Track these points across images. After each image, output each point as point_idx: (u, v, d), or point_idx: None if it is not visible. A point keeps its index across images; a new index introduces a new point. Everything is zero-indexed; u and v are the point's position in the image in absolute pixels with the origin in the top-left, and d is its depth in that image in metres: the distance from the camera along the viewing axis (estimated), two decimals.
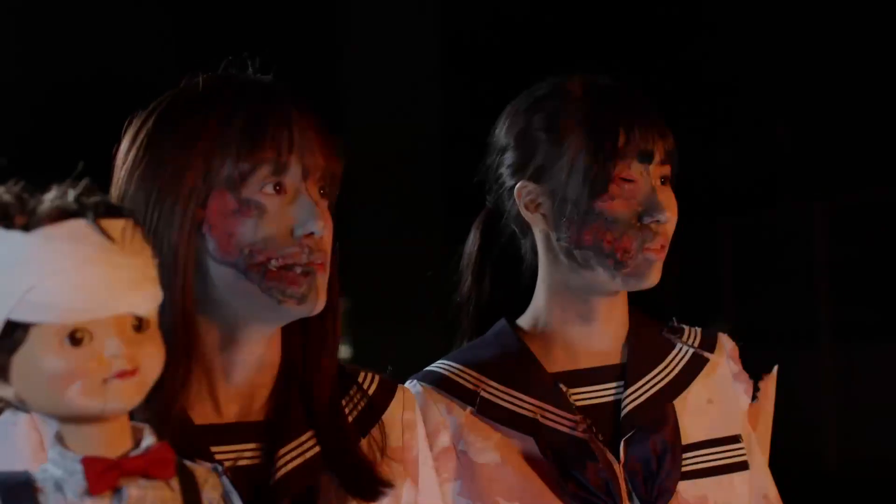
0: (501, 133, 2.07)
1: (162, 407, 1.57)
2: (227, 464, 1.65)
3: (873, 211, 8.39)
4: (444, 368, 2.03)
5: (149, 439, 1.42)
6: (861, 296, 8.40)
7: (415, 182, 7.28)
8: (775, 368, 2.15)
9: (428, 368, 2.05)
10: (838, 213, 8.58)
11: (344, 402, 1.78)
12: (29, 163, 1.51)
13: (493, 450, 1.98)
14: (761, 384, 2.13)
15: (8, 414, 1.59)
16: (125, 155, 1.70)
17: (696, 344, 2.09)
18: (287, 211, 1.67)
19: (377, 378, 1.83)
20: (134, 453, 1.41)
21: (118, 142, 1.72)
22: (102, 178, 1.55)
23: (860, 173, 8.20)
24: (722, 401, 2.07)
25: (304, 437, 1.72)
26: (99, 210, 1.40)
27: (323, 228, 1.67)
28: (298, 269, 1.67)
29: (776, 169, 8.52)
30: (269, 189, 1.67)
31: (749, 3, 8.04)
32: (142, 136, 1.69)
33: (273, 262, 1.66)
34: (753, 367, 2.14)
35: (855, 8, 7.67)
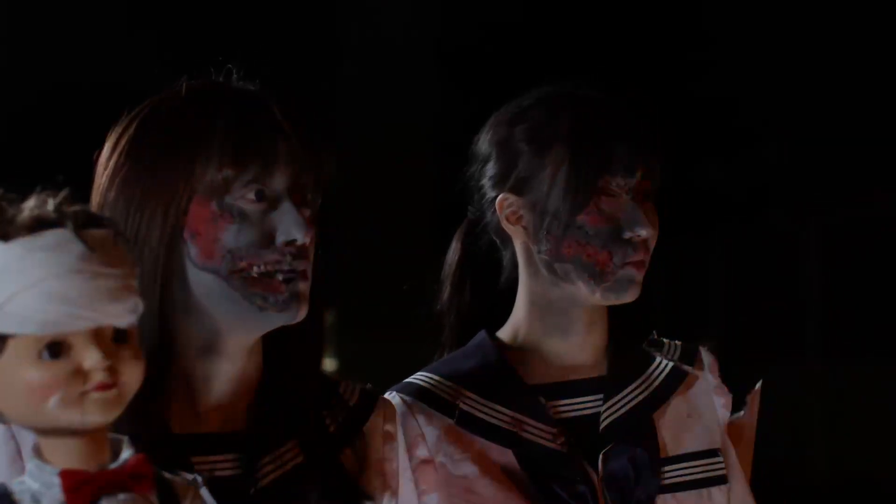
0: (484, 143, 2.06)
1: (140, 417, 1.56)
2: (206, 474, 1.64)
3: (865, 226, 8.39)
4: (423, 380, 2.03)
5: (127, 452, 1.41)
6: (851, 312, 8.40)
7: (404, 193, 7.27)
8: (759, 384, 2.15)
9: (407, 380, 2.04)
10: (830, 229, 8.58)
11: (325, 413, 1.77)
12: (8, 171, 1.50)
13: (472, 462, 1.98)
14: (747, 398, 2.13)
15: None
16: (107, 161, 1.70)
17: (675, 357, 2.09)
18: (269, 218, 1.67)
19: (358, 388, 1.83)
20: (112, 466, 1.40)
21: (100, 148, 1.72)
22: (84, 186, 1.54)
23: (852, 189, 8.21)
24: (701, 414, 2.07)
25: (285, 448, 1.71)
26: (79, 220, 1.39)
27: (305, 236, 1.67)
28: (280, 276, 1.66)
29: (768, 183, 8.53)
30: (252, 196, 1.66)
31: (744, 16, 8.05)
32: (123, 141, 1.69)
33: (255, 269, 1.66)
34: (741, 381, 2.13)
35: (850, 23, 7.68)
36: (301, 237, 1.66)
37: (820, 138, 8.06)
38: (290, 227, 1.66)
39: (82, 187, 1.48)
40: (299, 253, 1.67)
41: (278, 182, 1.67)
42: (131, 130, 1.69)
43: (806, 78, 7.97)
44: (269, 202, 1.67)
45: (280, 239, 1.66)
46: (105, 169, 1.69)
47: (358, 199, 6.35)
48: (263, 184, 1.66)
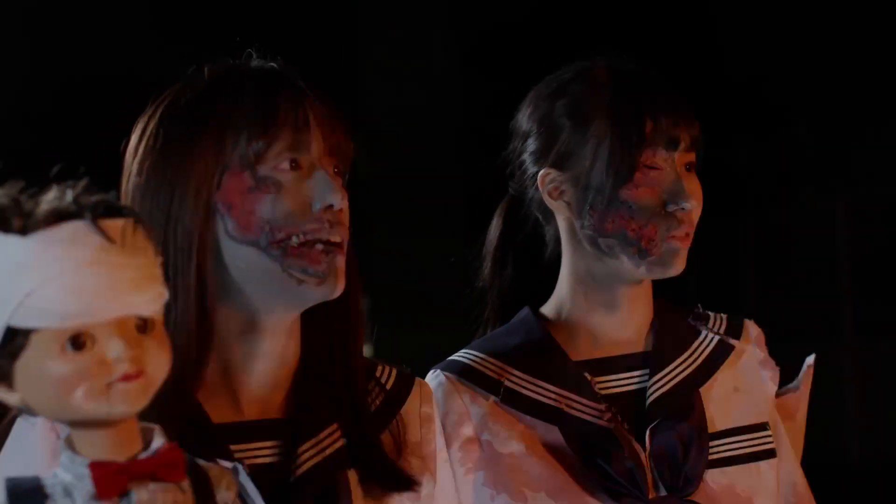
0: (524, 118, 2.05)
1: (178, 406, 1.55)
2: (247, 462, 1.64)
3: (894, 205, 8.37)
4: (467, 358, 2.02)
5: (158, 441, 1.40)
6: (884, 291, 8.37)
7: (434, 180, 7.27)
8: (812, 357, 2.13)
9: (451, 358, 2.03)
10: (861, 209, 8.55)
11: (363, 397, 1.76)
12: (28, 165, 1.49)
13: (517, 440, 1.97)
14: (803, 374, 2.11)
15: (26, 416, 1.57)
16: (134, 149, 1.69)
17: (721, 331, 2.07)
18: (304, 186, 1.66)
19: (395, 371, 1.82)
20: (143, 456, 1.38)
21: (126, 139, 1.72)
22: (103, 178, 1.52)
23: (882, 169, 8.18)
24: (748, 388, 2.05)
25: (325, 433, 1.70)
26: (98, 210, 1.37)
27: (341, 201, 1.66)
28: (320, 246, 1.66)
29: (798, 164, 8.50)
30: (285, 165, 1.66)
31: None
32: (150, 127, 1.69)
33: (294, 239, 1.65)
34: (776, 362, 2.12)
35: (879, 4, 7.64)
36: (338, 202, 1.66)
37: (851, 120, 8.03)
38: (326, 192, 1.65)
39: (102, 180, 1.46)
40: (337, 219, 1.67)
41: (311, 150, 1.67)
42: (157, 115, 1.69)
43: (834, 56, 7.93)
44: (303, 171, 1.67)
45: (317, 205, 1.65)
46: (134, 157, 1.69)
47: (385, 186, 6.34)
48: (296, 153, 1.66)
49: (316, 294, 1.67)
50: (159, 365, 1.38)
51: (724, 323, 2.09)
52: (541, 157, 2.02)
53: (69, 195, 1.37)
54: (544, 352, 2.01)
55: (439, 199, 7.06)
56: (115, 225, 1.37)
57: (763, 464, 2.02)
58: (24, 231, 1.35)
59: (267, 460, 1.68)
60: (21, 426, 1.60)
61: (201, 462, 1.44)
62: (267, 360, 1.71)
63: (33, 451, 1.60)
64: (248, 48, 1.75)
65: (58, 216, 1.36)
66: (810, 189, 8.56)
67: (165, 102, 1.70)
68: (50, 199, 1.38)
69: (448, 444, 1.91)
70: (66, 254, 1.34)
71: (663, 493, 1.94)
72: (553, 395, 1.98)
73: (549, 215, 2.05)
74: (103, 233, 1.35)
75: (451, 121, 7.39)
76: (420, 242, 6.53)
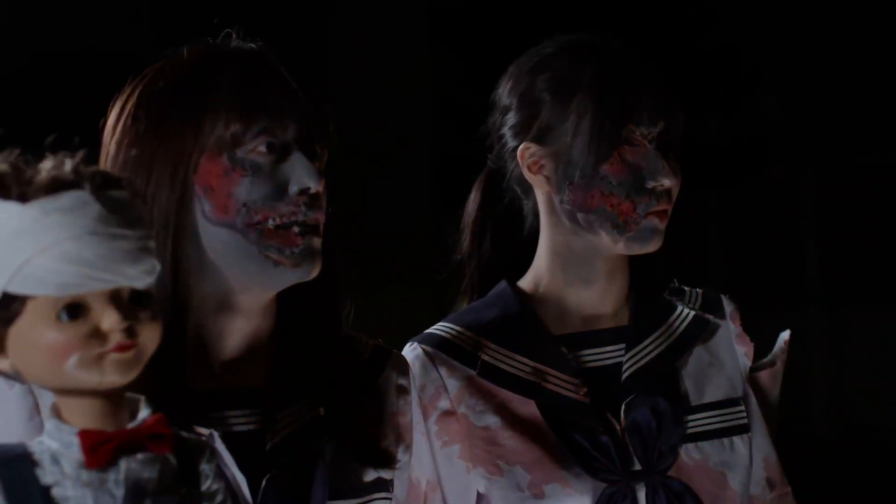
0: (504, 92, 2.05)
1: (157, 373, 1.56)
2: (223, 429, 1.65)
3: (862, 177, 8.40)
4: (444, 331, 2.02)
5: (144, 411, 1.41)
6: (849, 262, 8.41)
7: (403, 153, 7.26)
8: (787, 333, 2.14)
9: (428, 331, 2.03)
10: (827, 179, 8.59)
11: (340, 368, 1.77)
12: (13, 136, 1.48)
13: (494, 413, 1.98)
14: (778, 351, 2.12)
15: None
16: (113, 127, 1.70)
17: (697, 306, 2.08)
18: (281, 169, 1.67)
19: (371, 343, 1.83)
20: (130, 426, 1.39)
21: (104, 117, 1.71)
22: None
23: (849, 140, 8.20)
24: (723, 363, 2.07)
25: (301, 402, 1.71)
26: (97, 180, 1.38)
27: (318, 184, 1.67)
28: (296, 229, 1.66)
29: (765, 135, 8.52)
30: (262, 148, 1.66)
31: None
32: (129, 106, 1.69)
33: (270, 222, 1.66)
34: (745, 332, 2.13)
35: None
36: (314, 185, 1.66)
37: (814, 91, 8.06)
38: (303, 175, 1.66)
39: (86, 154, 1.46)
40: (312, 202, 1.67)
41: (288, 133, 1.67)
42: (136, 94, 1.69)
43: (801, 30, 7.95)
44: (280, 154, 1.67)
45: (293, 188, 1.66)
46: (112, 135, 1.69)
47: (354, 161, 6.32)
48: (273, 135, 1.66)
49: (292, 276, 1.68)
50: (151, 336, 1.39)
51: (700, 298, 2.10)
52: (521, 132, 2.02)
53: (68, 164, 1.38)
54: (521, 325, 2.02)
55: (408, 171, 7.05)
56: (113, 196, 1.38)
57: (736, 438, 2.03)
58: (23, 198, 1.36)
59: (243, 428, 1.68)
60: None
61: (184, 434, 1.45)
62: (242, 335, 1.72)
63: (10, 410, 1.61)
64: (227, 28, 1.75)
65: (58, 185, 1.36)
66: (777, 161, 8.59)
67: (144, 82, 1.70)
68: (49, 167, 1.38)
69: (425, 417, 1.92)
70: (65, 223, 1.34)
71: (638, 467, 1.95)
72: (530, 369, 1.99)
73: (528, 189, 2.05)
74: (102, 203, 1.36)
75: (421, 93, 7.37)
76: (389, 214, 6.52)
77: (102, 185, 1.38)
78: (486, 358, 2.00)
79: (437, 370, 1.98)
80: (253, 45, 1.74)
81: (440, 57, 7.45)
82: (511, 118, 2.03)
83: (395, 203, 6.77)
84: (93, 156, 1.43)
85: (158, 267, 1.40)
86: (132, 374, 1.38)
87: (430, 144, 7.18)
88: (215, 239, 1.67)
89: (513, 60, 2.07)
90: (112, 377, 1.36)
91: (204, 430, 1.62)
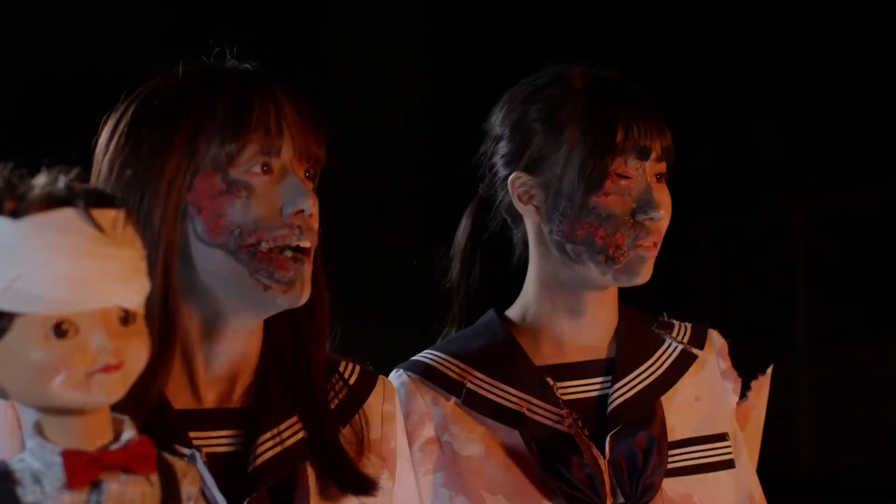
0: (497, 121, 2.05)
1: (139, 392, 1.55)
2: (205, 450, 1.64)
3: (852, 215, 8.42)
4: (430, 358, 2.02)
5: (129, 432, 1.39)
6: (839, 299, 8.42)
7: (396, 178, 7.27)
8: (770, 369, 2.14)
9: (414, 358, 2.03)
10: (817, 216, 8.61)
11: (325, 392, 1.76)
12: (9, 150, 1.48)
13: (478, 442, 1.97)
14: (754, 383, 2.12)
15: None
16: (105, 146, 1.68)
17: (685, 340, 2.08)
18: (275, 190, 1.66)
19: (358, 368, 1.82)
20: (114, 447, 1.38)
21: (96, 135, 1.70)
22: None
23: (839, 177, 8.23)
24: (710, 398, 2.06)
25: (284, 426, 1.70)
26: (90, 199, 1.36)
27: (312, 206, 1.66)
28: (289, 253, 1.66)
29: (757, 171, 8.55)
30: (257, 169, 1.65)
31: (733, 4, 8.06)
32: (122, 124, 1.68)
33: (263, 245, 1.65)
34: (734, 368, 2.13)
35: (840, 13, 7.68)
36: (308, 207, 1.65)
37: (807, 127, 8.09)
38: (297, 197, 1.65)
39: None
40: (306, 224, 1.66)
41: (283, 155, 1.66)
42: (130, 113, 1.68)
43: (794, 67, 7.98)
44: (274, 175, 1.66)
45: (288, 210, 1.65)
46: (105, 154, 1.68)
47: (348, 184, 6.33)
48: (269, 157, 1.65)
49: (281, 301, 1.67)
50: (138, 357, 1.37)
51: (689, 332, 2.09)
52: (512, 161, 2.02)
53: (62, 181, 1.37)
54: (507, 355, 2.01)
55: (401, 196, 7.06)
56: (106, 215, 1.36)
57: (721, 474, 2.03)
58: (15, 214, 1.34)
59: (224, 449, 1.67)
60: None
61: (167, 456, 1.44)
62: (227, 358, 1.71)
63: None
64: (221, 46, 1.74)
65: (51, 202, 1.35)
66: (769, 196, 8.61)
67: (139, 100, 1.69)
68: (43, 183, 1.37)
69: (409, 444, 1.91)
70: (57, 241, 1.33)
71: (621, 500, 1.94)
72: (515, 399, 1.99)
73: (518, 219, 2.05)
74: (94, 222, 1.35)
75: (415, 121, 7.39)
76: (381, 240, 6.53)
77: (95, 204, 1.36)
78: (471, 386, 1.99)
79: (422, 397, 1.97)
80: (248, 65, 1.73)
81: (436, 84, 7.47)
82: (503, 147, 2.03)
83: (385, 228, 6.78)
84: (86, 172, 1.41)
85: (149, 287, 1.39)
86: (118, 395, 1.36)
87: (423, 171, 7.18)
88: (207, 260, 1.66)
89: (507, 89, 2.07)
90: (98, 397, 1.35)
91: (185, 451, 1.61)
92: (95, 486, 1.36)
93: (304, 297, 1.68)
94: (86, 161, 1.45)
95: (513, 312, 2.07)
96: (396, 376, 1.99)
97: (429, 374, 1.99)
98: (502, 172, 2.03)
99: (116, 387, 1.36)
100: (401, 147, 7.28)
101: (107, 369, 1.34)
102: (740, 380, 2.10)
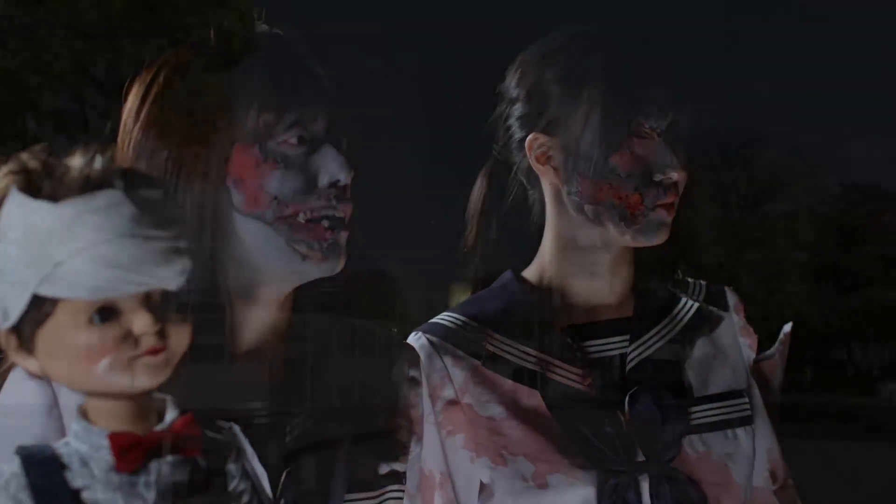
0: (512, 84, 2.05)
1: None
2: (243, 423, 1.64)
3: None
4: (449, 321, 2.02)
5: (172, 412, 1.39)
6: None
7: (396, 140, 7.25)
8: (789, 325, 2.15)
9: (433, 321, 2.03)
10: None
11: None
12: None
13: (499, 403, 1.98)
14: (778, 342, 2.13)
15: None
16: (136, 112, 1.67)
17: (701, 298, 2.09)
18: (312, 161, 1.66)
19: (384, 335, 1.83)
20: (159, 428, 1.38)
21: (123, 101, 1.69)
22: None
23: None
24: (727, 355, 2.07)
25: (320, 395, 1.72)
26: (129, 180, 1.35)
27: (348, 176, 1.66)
28: (326, 223, 1.66)
29: None
30: (293, 140, 1.66)
31: None
32: (154, 91, 1.67)
33: (301, 216, 1.65)
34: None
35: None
36: (344, 177, 1.66)
37: None
38: (333, 167, 1.66)
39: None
40: (342, 194, 1.67)
41: (318, 125, 1.67)
42: (161, 79, 1.67)
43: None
44: (310, 146, 1.66)
45: (324, 181, 1.66)
46: (136, 121, 1.66)
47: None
48: (304, 127, 1.65)
49: (318, 270, 1.68)
50: (181, 339, 1.37)
51: (704, 290, 2.10)
52: (529, 123, 2.02)
53: (99, 161, 1.35)
54: (526, 316, 2.02)
55: (401, 154, 7.04)
56: (145, 195, 1.35)
57: (739, 430, 2.04)
58: (54, 198, 1.33)
59: (263, 421, 1.68)
60: (16, 377, 1.58)
61: (211, 434, 1.44)
62: (257, 327, 1.71)
63: (28, 405, 1.59)
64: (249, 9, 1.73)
65: (90, 184, 1.33)
66: None
67: (169, 66, 1.68)
68: (80, 165, 1.35)
69: (430, 406, 1.92)
70: (99, 224, 1.32)
71: (642, 458, 1.95)
72: (534, 360, 1.99)
73: (535, 180, 2.05)
74: (135, 203, 1.34)
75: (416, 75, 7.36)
76: (380, 199, 6.52)
77: (135, 184, 1.35)
78: (490, 348, 1.99)
79: (442, 360, 1.98)
80: (281, 32, 1.72)
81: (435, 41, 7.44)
82: (519, 109, 2.03)
83: (390, 193, 6.77)
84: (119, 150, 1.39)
85: (190, 267, 1.38)
86: (163, 377, 1.36)
87: (425, 132, 7.17)
88: (244, 230, 1.66)
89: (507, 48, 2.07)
90: (143, 380, 1.35)
91: (224, 424, 1.61)
92: (143, 467, 1.36)
93: (340, 266, 1.69)
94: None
95: (530, 273, 2.07)
96: (416, 339, 1.99)
97: (448, 337, 2.00)
98: (519, 134, 2.03)
99: (161, 369, 1.36)
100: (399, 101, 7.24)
101: (151, 352, 1.34)
102: (756, 336, 2.10)
